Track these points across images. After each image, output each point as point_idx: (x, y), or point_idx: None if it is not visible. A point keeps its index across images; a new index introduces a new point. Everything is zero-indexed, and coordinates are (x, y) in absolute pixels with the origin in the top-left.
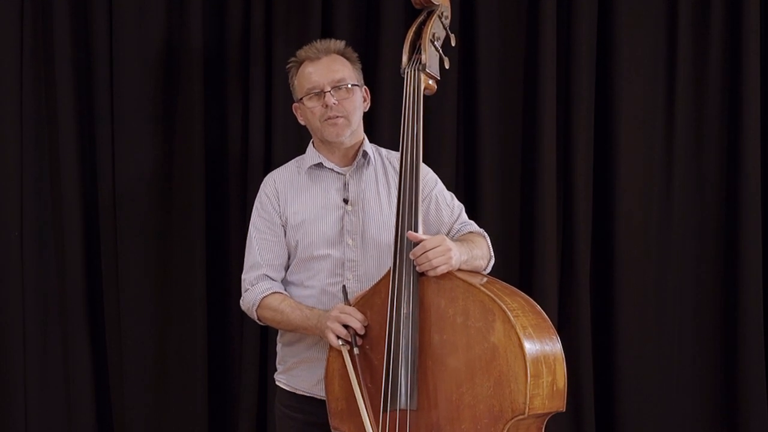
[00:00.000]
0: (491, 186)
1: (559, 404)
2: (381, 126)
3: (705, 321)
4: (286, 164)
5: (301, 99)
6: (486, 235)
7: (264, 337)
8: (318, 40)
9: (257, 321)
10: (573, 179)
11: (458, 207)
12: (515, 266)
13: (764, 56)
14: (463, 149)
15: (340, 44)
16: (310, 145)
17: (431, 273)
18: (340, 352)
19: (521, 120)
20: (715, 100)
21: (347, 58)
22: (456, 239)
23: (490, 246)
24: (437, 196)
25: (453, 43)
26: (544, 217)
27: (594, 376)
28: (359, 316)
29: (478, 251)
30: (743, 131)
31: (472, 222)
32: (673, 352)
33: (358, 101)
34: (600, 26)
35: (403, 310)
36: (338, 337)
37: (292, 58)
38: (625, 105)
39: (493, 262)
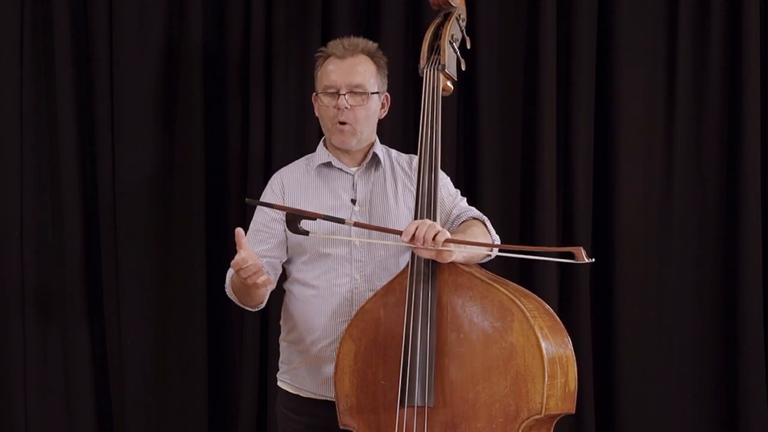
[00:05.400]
0: (491, 186)
1: (570, 406)
2: (381, 124)
3: (705, 321)
4: (295, 162)
5: (318, 93)
6: (486, 219)
7: (264, 338)
8: (350, 38)
9: (237, 302)
10: (573, 179)
11: (459, 197)
12: (515, 266)
13: (764, 56)
14: (463, 149)
15: (371, 46)
16: (321, 143)
17: (437, 255)
18: (351, 348)
19: (521, 120)
20: (715, 100)
21: (374, 62)
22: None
23: (491, 230)
24: (441, 189)
25: (468, 46)
26: (544, 217)
27: (594, 376)
28: (241, 256)
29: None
30: (743, 131)
31: (472, 208)
32: (673, 352)
33: (373, 109)
34: (600, 26)
35: (421, 308)
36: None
37: (322, 48)
38: (625, 105)
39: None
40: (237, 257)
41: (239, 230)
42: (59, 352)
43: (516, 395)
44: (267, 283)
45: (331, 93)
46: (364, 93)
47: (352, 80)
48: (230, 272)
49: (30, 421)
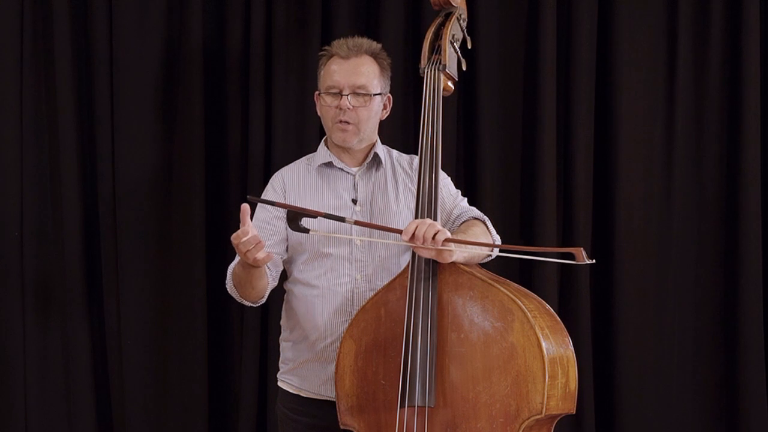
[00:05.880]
0: (491, 186)
1: (571, 406)
2: (381, 124)
3: (705, 321)
4: (296, 161)
5: (321, 92)
6: (486, 219)
7: (264, 337)
8: (354, 37)
9: (237, 297)
10: (573, 179)
11: (460, 197)
12: (515, 266)
13: (764, 56)
14: (463, 149)
15: (376, 47)
16: (322, 142)
17: (438, 254)
18: (351, 348)
19: (521, 120)
20: (715, 100)
21: (378, 63)
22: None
23: (491, 230)
24: (442, 189)
25: (469, 46)
26: (544, 218)
27: (594, 376)
28: (241, 229)
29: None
30: (743, 132)
31: (473, 208)
32: (673, 352)
33: (375, 110)
34: (600, 26)
35: (422, 308)
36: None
37: (326, 47)
38: (625, 105)
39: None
40: (238, 231)
41: (245, 206)
42: (59, 352)
43: (516, 395)
44: (268, 259)
45: (334, 93)
46: (367, 94)
47: (356, 81)
48: (231, 267)
49: (30, 420)
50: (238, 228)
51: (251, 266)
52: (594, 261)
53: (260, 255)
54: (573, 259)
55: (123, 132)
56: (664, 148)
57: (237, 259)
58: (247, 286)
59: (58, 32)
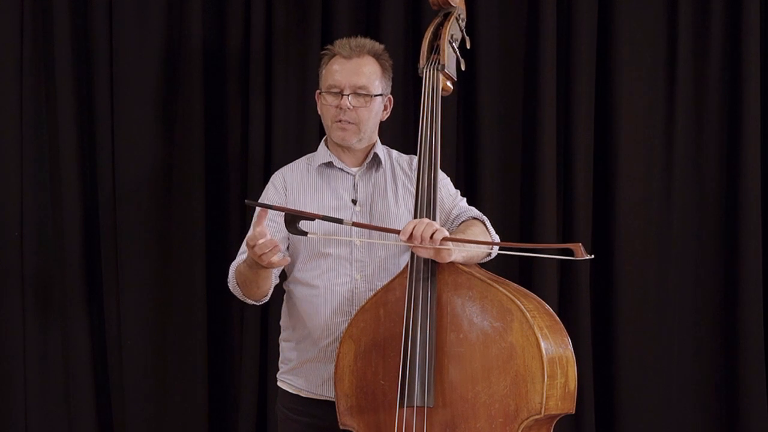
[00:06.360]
0: (491, 186)
1: (570, 406)
2: (381, 124)
3: (705, 321)
4: (296, 161)
5: (322, 91)
6: (485, 219)
7: (264, 337)
8: (356, 37)
9: (240, 296)
10: (573, 179)
11: (459, 197)
12: (515, 266)
13: (764, 56)
14: (463, 149)
15: (378, 47)
16: (322, 142)
17: (436, 254)
18: (350, 348)
19: (521, 120)
20: (715, 100)
21: (380, 64)
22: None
23: (491, 230)
24: (441, 189)
25: (468, 46)
26: (544, 218)
27: (594, 376)
28: (257, 230)
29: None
30: (743, 131)
31: (472, 208)
32: (673, 352)
33: (376, 110)
34: (600, 26)
35: (421, 308)
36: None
37: (328, 46)
38: (625, 105)
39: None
40: (252, 232)
41: (261, 211)
42: (59, 352)
43: (516, 395)
44: (283, 263)
45: (335, 93)
46: (368, 95)
47: (357, 81)
48: (234, 265)
49: (30, 421)
50: (239, 228)
51: (261, 267)
52: (593, 256)
53: (275, 259)
54: (572, 255)
55: (123, 132)
56: (664, 148)
57: (240, 257)
58: (253, 285)
59: (58, 32)
